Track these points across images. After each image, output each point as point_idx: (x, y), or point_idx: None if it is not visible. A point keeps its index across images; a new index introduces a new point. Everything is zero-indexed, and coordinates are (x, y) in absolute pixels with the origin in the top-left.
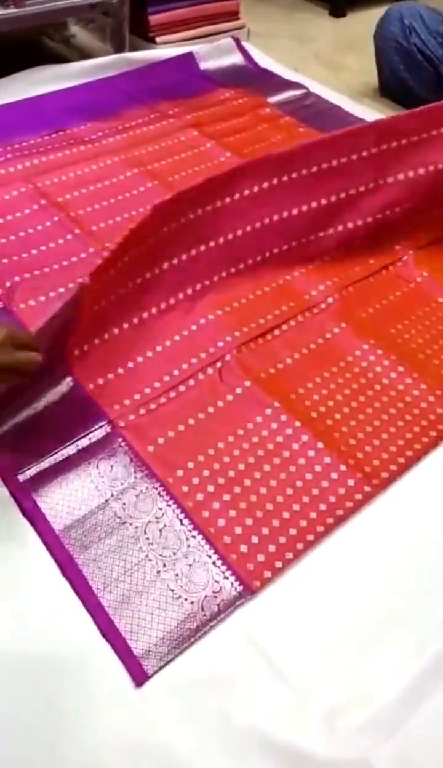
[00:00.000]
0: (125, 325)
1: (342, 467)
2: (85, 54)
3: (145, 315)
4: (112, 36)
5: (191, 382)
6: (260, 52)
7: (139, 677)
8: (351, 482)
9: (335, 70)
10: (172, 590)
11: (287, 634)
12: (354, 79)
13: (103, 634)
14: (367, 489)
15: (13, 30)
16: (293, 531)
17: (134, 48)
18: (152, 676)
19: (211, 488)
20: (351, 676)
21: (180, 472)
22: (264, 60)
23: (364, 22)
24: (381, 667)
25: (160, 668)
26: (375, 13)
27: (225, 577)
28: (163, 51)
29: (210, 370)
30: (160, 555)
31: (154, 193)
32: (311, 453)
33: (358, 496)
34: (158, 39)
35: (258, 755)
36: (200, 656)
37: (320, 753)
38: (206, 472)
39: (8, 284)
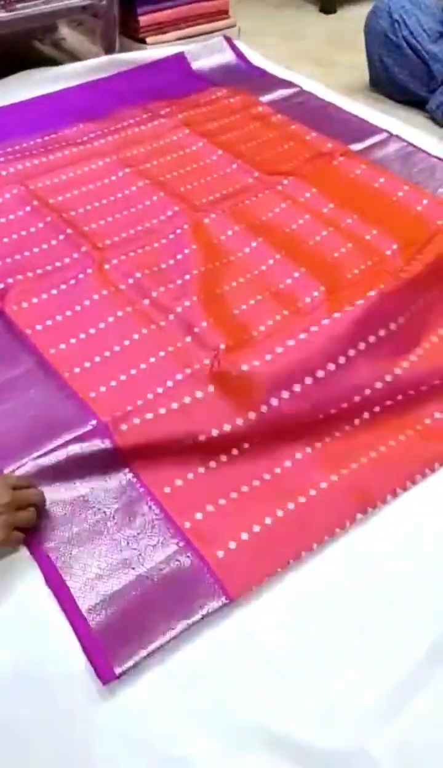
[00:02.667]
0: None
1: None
2: (75, 56)
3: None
4: (102, 37)
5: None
6: (251, 50)
7: (106, 675)
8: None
9: (326, 67)
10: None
11: (282, 623)
12: (345, 75)
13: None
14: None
15: (3, 34)
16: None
17: (124, 49)
18: (121, 674)
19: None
20: (348, 664)
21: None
22: (256, 58)
23: (354, 18)
24: (377, 655)
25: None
26: (365, 9)
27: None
28: (154, 51)
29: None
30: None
31: (145, 192)
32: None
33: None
34: (148, 39)
35: (255, 746)
36: (195, 648)
37: (318, 742)
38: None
39: (2, 286)
